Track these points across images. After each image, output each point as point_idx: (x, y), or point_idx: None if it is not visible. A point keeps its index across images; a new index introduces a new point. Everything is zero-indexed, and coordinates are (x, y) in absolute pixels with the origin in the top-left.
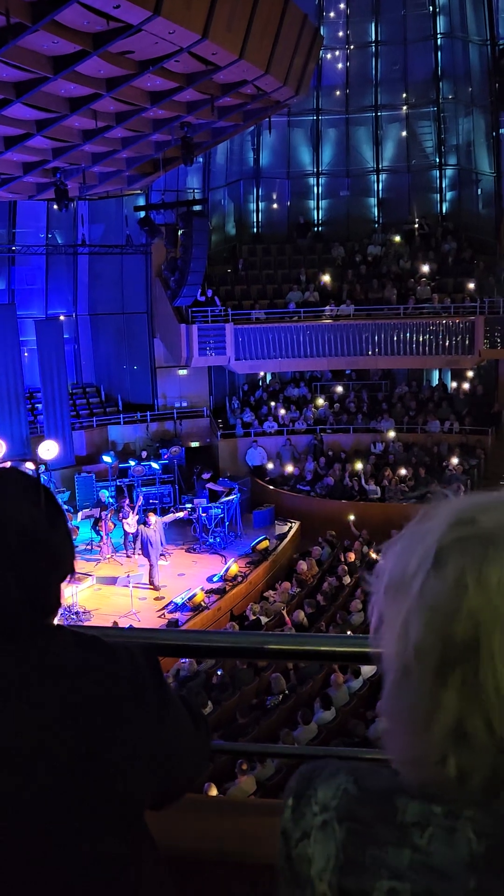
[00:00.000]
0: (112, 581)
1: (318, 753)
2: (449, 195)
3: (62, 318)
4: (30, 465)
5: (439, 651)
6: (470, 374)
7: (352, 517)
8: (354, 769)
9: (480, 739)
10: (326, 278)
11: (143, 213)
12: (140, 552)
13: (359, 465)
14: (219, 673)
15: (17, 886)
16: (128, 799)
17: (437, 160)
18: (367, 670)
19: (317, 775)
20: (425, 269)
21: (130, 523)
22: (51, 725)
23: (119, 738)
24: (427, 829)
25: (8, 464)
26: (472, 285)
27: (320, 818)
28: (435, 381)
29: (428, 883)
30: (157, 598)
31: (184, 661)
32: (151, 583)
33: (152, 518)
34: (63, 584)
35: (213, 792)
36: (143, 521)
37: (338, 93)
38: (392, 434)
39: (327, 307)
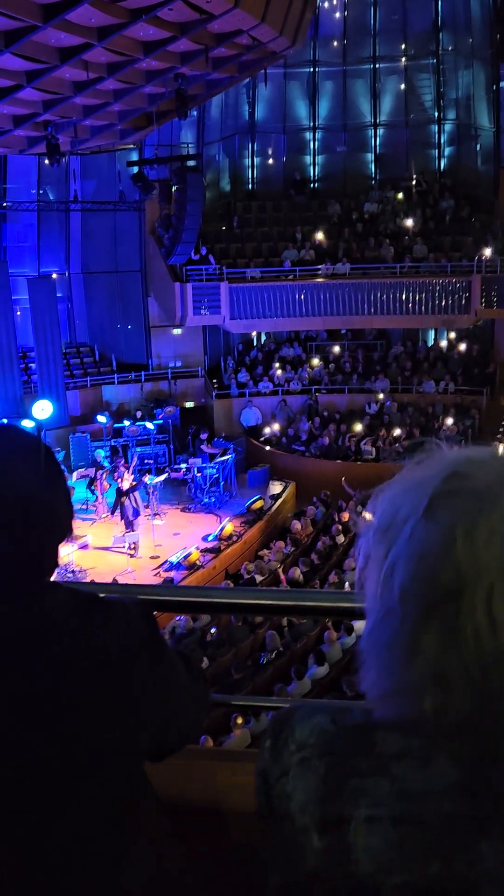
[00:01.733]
0: (107, 540)
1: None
2: (447, 151)
3: (55, 276)
4: (28, 424)
5: (423, 597)
6: (452, 335)
7: (344, 478)
8: (329, 709)
9: (457, 682)
10: (321, 236)
11: (136, 169)
12: (115, 515)
13: (358, 427)
14: (212, 631)
15: (17, 839)
16: (127, 751)
17: (436, 114)
18: (361, 626)
19: (292, 716)
20: (416, 226)
21: (125, 482)
22: (47, 682)
23: (117, 693)
24: (405, 759)
25: (4, 420)
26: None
27: (298, 756)
28: (431, 341)
29: (405, 809)
30: (152, 557)
31: (180, 618)
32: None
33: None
34: (60, 545)
35: (210, 744)
36: (138, 481)
37: (335, 43)
38: (382, 396)
39: (323, 266)
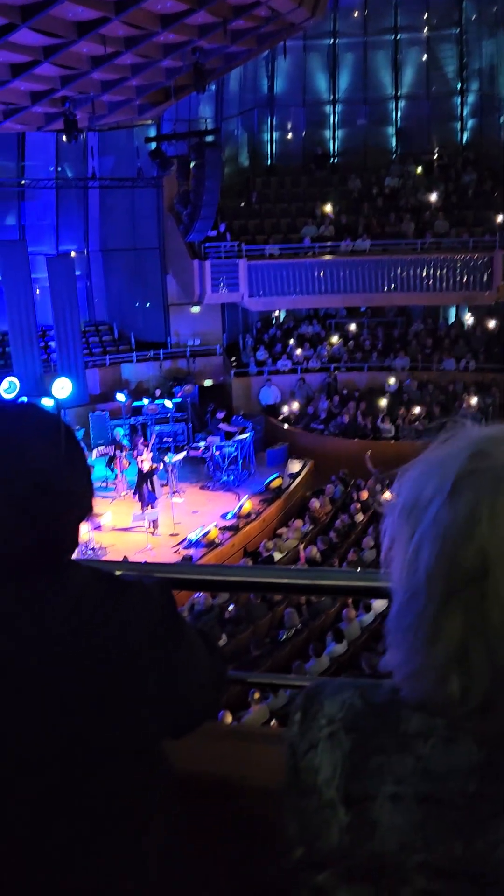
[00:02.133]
0: (127, 517)
1: None
2: (470, 123)
3: (73, 254)
4: (48, 402)
5: (447, 577)
6: (470, 317)
7: (369, 452)
8: (359, 686)
9: (480, 662)
10: (328, 209)
11: (154, 145)
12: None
13: (383, 402)
14: (231, 608)
15: (32, 816)
16: (145, 729)
17: (459, 86)
18: (379, 605)
19: (322, 691)
20: (438, 201)
21: (145, 460)
22: (66, 659)
23: (136, 670)
24: (430, 739)
25: (25, 398)
26: (499, 218)
27: (327, 730)
28: (452, 318)
29: (429, 787)
30: (171, 535)
31: (198, 595)
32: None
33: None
34: (81, 524)
35: (228, 720)
36: (158, 461)
37: (355, 14)
38: (401, 374)
39: (343, 242)
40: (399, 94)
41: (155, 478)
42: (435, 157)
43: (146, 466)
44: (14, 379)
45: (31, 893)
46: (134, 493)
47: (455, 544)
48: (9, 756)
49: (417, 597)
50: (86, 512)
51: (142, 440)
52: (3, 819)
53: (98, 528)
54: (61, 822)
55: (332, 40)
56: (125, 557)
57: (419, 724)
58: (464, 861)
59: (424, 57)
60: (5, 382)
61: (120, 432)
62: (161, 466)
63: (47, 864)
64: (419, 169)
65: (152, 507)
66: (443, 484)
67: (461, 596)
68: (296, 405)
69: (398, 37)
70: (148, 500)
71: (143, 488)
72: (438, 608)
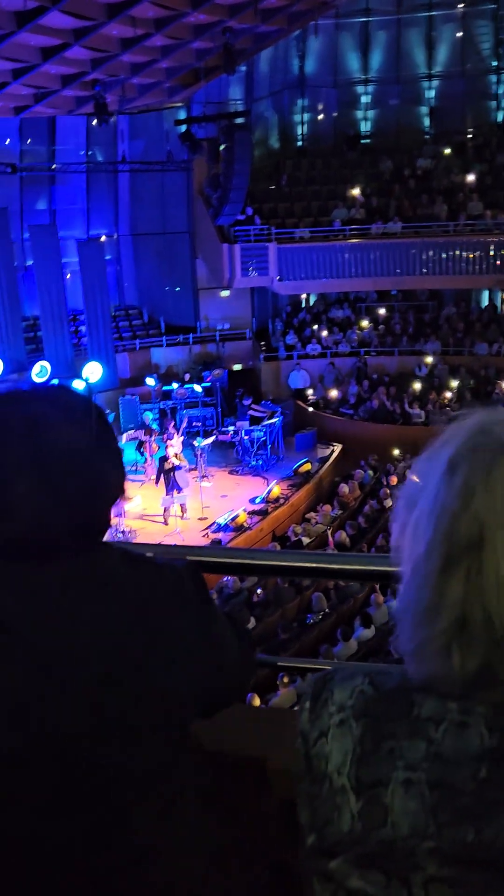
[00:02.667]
0: (156, 501)
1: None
2: None
3: (103, 238)
4: (79, 384)
5: (446, 548)
6: None
7: (396, 451)
8: (369, 672)
9: (479, 629)
10: (359, 191)
11: (184, 128)
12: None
13: (417, 385)
14: (259, 591)
15: (57, 796)
16: (174, 708)
17: (494, 63)
18: None
19: (332, 678)
20: (472, 182)
21: (174, 445)
22: (95, 639)
23: (165, 651)
24: (441, 723)
25: (56, 381)
26: None
27: (337, 717)
28: (484, 302)
29: (441, 772)
30: (200, 518)
31: (227, 578)
32: (165, 514)
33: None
34: (112, 508)
35: (257, 702)
36: (188, 445)
37: None
38: (432, 358)
39: (374, 224)
40: (432, 72)
41: (180, 470)
42: (469, 136)
43: (173, 452)
44: (45, 363)
45: (67, 868)
46: (157, 482)
47: (452, 514)
48: (40, 736)
49: (418, 571)
50: (117, 494)
51: (172, 424)
52: (39, 793)
53: (120, 515)
54: (93, 798)
55: (364, 18)
56: (155, 545)
57: (431, 708)
58: (475, 847)
59: (459, 34)
60: (37, 366)
61: (149, 416)
62: (184, 463)
63: (82, 842)
64: (452, 150)
65: (178, 493)
66: (441, 464)
67: (460, 564)
68: (325, 390)
69: (432, 13)
70: (173, 487)
71: (170, 478)
72: (438, 578)
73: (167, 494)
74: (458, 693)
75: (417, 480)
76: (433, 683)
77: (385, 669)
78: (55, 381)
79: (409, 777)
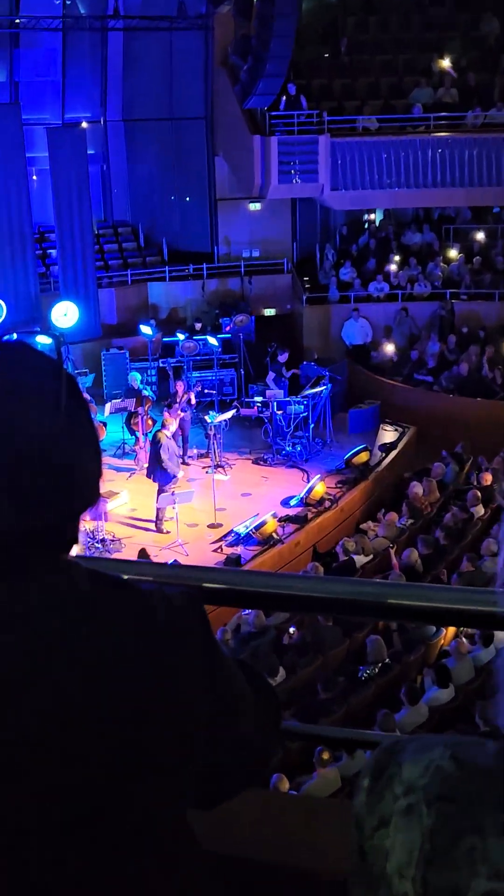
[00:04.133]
0: (150, 499)
1: None
2: None
3: (85, 125)
4: (44, 340)
5: None
6: None
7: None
8: (454, 743)
9: None
10: (449, 64)
11: None
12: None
13: None
14: (292, 631)
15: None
16: (156, 792)
17: None
18: (503, 637)
19: (403, 749)
20: None
21: (172, 423)
22: (50, 682)
23: (147, 706)
24: None
25: (14, 336)
26: None
27: (404, 802)
28: None
29: None
30: (211, 526)
31: (248, 612)
32: (157, 519)
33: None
34: (84, 513)
35: (284, 787)
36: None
37: None
38: None
39: (469, 112)
40: None
41: (168, 449)
42: None
43: (171, 428)
44: None
45: None
46: (149, 474)
47: None
48: None
49: None
50: (91, 495)
51: (183, 388)
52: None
53: (99, 518)
54: None
55: None
56: (142, 551)
57: None
58: None
59: None
60: None
61: (136, 377)
62: (174, 432)
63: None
64: None
65: (173, 483)
66: None
67: None
68: (393, 347)
69: None
70: (163, 480)
71: (165, 461)
72: None
73: (164, 489)
74: None
75: None
76: None
77: (474, 741)
78: (12, 336)
79: (494, 888)
